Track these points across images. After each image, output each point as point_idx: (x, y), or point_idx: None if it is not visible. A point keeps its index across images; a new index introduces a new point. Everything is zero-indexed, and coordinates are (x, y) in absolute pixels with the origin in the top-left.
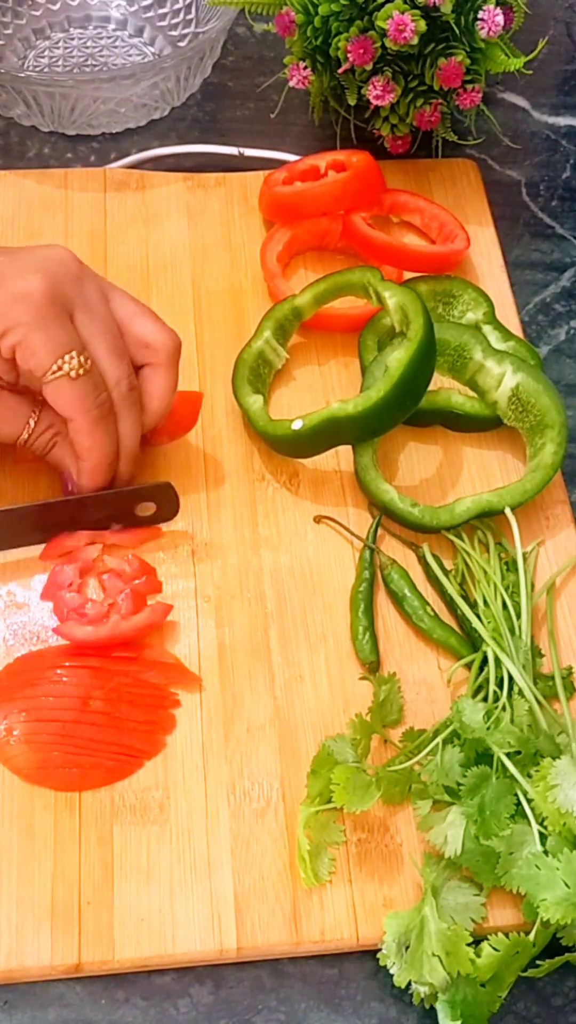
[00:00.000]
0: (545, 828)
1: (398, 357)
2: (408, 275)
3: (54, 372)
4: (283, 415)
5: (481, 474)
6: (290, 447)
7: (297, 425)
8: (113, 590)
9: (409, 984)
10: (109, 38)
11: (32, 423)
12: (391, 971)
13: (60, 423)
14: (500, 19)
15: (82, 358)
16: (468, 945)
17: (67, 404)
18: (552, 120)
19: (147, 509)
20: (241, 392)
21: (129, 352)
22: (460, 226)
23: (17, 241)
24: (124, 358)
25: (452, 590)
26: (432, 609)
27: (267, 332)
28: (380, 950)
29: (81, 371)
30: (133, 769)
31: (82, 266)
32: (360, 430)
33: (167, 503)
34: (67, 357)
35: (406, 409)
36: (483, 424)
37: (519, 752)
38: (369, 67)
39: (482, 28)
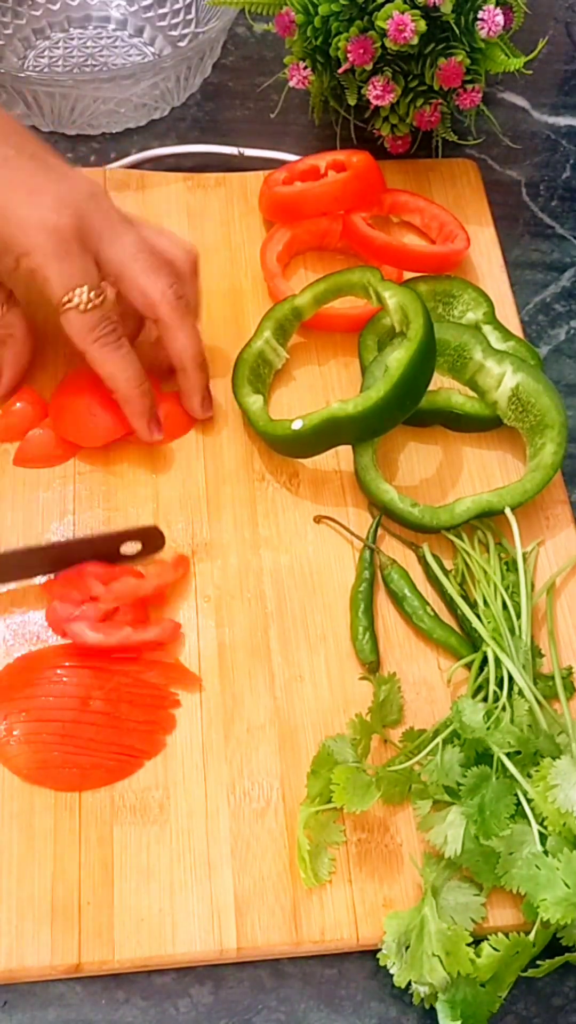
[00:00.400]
0: (545, 828)
1: (398, 357)
2: (408, 275)
3: (65, 304)
4: (283, 415)
5: (481, 474)
6: (290, 447)
7: (297, 425)
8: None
9: (409, 984)
10: (109, 38)
11: None
12: (391, 971)
13: (18, 328)
14: (500, 19)
15: (93, 293)
16: (468, 945)
17: (76, 334)
18: (552, 120)
19: (132, 548)
20: (241, 392)
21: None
22: (460, 226)
23: None
24: (163, 270)
25: (452, 590)
26: (432, 609)
27: (267, 332)
28: (380, 950)
29: (90, 305)
30: (133, 769)
31: (108, 199)
32: (360, 430)
33: (152, 543)
34: (78, 291)
35: (406, 409)
36: (483, 424)
37: (519, 752)
38: (369, 67)
39: (482, 28)
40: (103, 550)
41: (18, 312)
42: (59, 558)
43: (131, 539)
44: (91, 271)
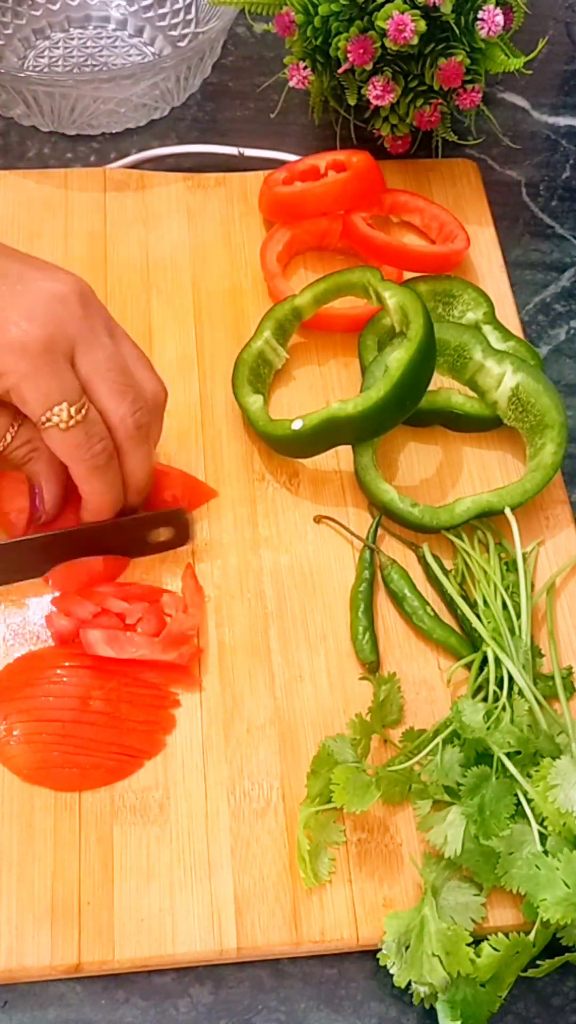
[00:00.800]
0: (545, 828)
1: (398, 357)
2: (408, 275)
3: (44, 422)
4: (283, 415)
5: (481, 474)
6: (290, 447)
7: (297, 425)
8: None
9: (409, 984)
10: (109, 38)
11: (10, 437)
12: (391, 971)
13: (38, 439)
14: (500, 19)
15: (73, 409)
16: (468, 945)
17: (60, 452)
18: (552, 120)
19: (160, 535)
20: (241, 392)
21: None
22: (460, 226)
23: (17, 242)
24: (127, 395)
25: (452, 590)
26: (432, 609)
27: (267, 332)
28: (380, 950)
29: (72, 422)
30: (133, 769)
31: (89, 301)
32: (360, 430)
33: (181, 528)
34: (56, 409)
35: (406, 409)
36: (483, 424)
37: (519, 752)
38: (369, 67)
39: (482, 28)
40: (131, 537)
41: (31, 427)
42: (84, 546)
43: (158, 525)
44: (70, 385)
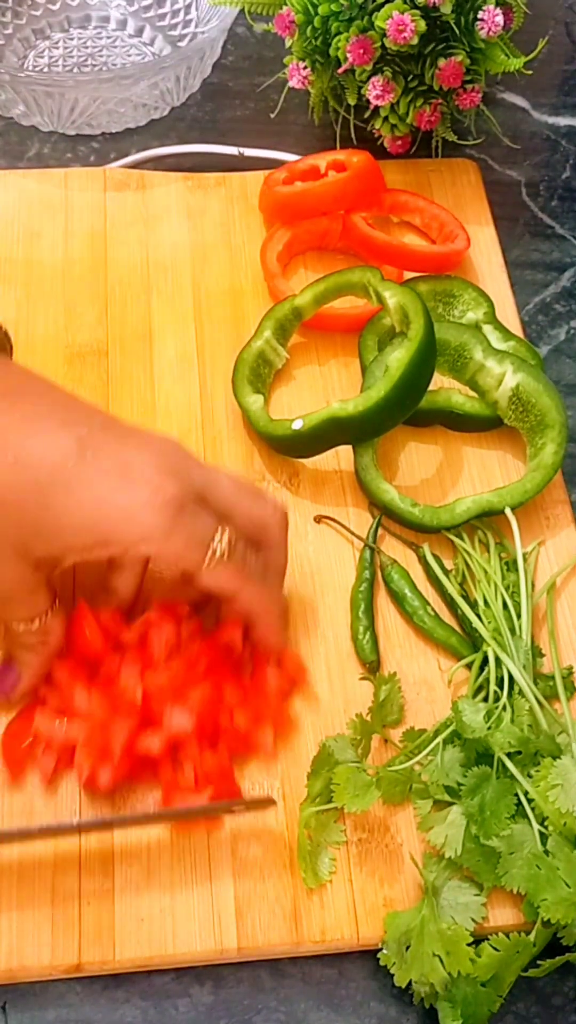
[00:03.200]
0: (545, 828)
1: (398, 357)
2: (408, 275)
3: (208, 564)
4: (283, 415)
5: (481, 474)
6: (290, 447)
7: (297, 425)
8: None
9: (409, 984)
10: (109, 38)
11: (38, 623)
12: (391, 971)
13: (57, 632)
14: (500, 19)
15: (224, 535)
16: (468, 945)
17: (229, 583)
18: (552, 120)
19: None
20: (241, 392)
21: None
22: (460, 226)
23: (17, 242)
24: (263, 497)
25: (452, 590)
26: (432, 609)
27: (267, 332)
28: (380, 950)
29: (228, 547)
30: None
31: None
32: (360, 430)
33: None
34: (213, 544)
35: (406, 409)
36: (483, 424)
37: (519, 752)
38: (369, 67)
39: (482, 28)
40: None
41: (60, 620)
42: None
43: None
44: (210, 519)
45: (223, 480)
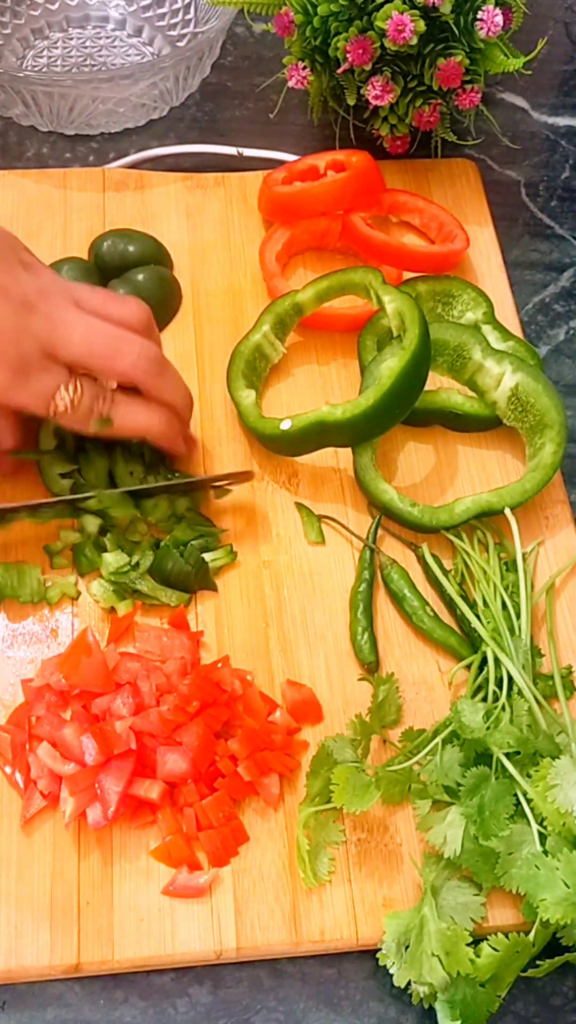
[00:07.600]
0: (545, 828)
1: (390, 366)
2: (408, 275)
3: (54, 415)
4: (281, 412)
5: (481, 474)
6: (278, 446)
7: (285, 425)
8: None
9: (408, 984)
10: (108, 38)
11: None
12: (391, 971)
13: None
14: (499, 19)
15: (70, 389)
16: (468, 945)
17: (80, 428)
18: (551, 120)
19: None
20: (235, 385)
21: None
22: (459, 226)
23: None
24: (122, 347)
25: (452, 590)
26: (432, 609)
27: (266, 326)
28: (380, 950)
29: (73, 400)
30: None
31: (44, 276)
32: (349, 435)
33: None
34: (56, 398)
35: (396, 417)
36: (483, 424)
37: (518, 752)
38: (368, 67)
39: (481, 28)
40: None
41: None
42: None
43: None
44: (55, 373)
45: (76, 330)
